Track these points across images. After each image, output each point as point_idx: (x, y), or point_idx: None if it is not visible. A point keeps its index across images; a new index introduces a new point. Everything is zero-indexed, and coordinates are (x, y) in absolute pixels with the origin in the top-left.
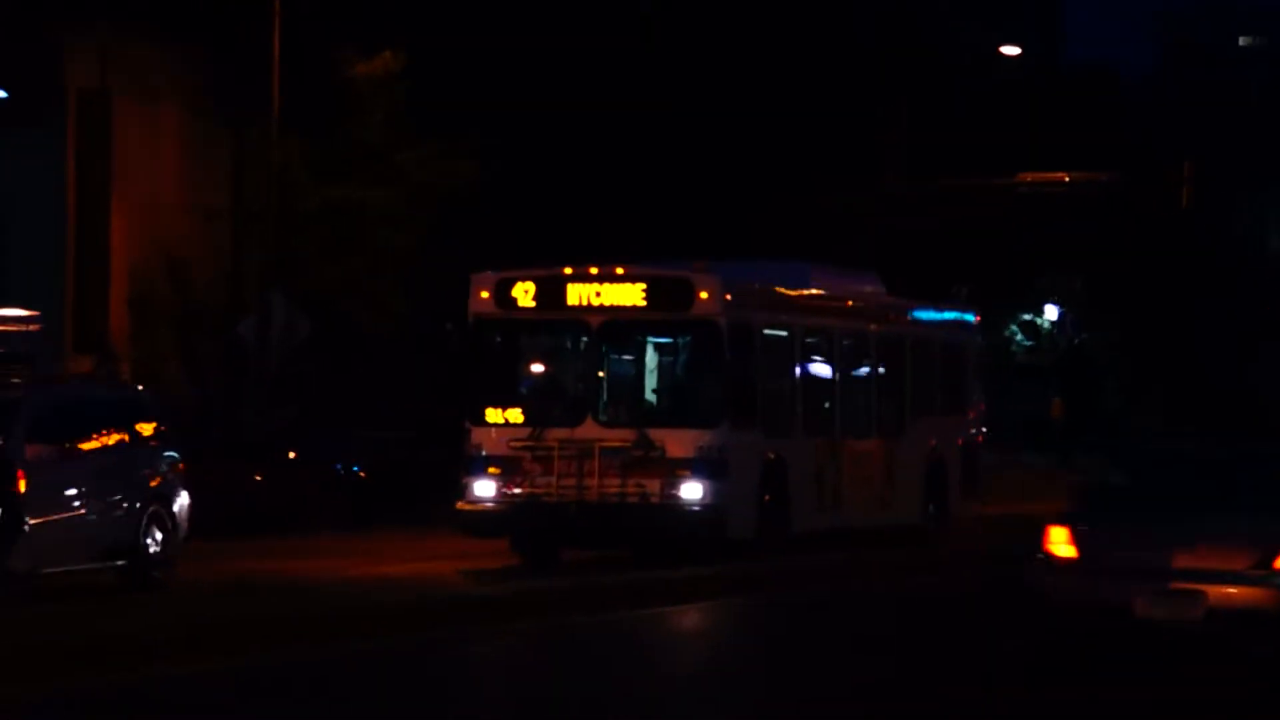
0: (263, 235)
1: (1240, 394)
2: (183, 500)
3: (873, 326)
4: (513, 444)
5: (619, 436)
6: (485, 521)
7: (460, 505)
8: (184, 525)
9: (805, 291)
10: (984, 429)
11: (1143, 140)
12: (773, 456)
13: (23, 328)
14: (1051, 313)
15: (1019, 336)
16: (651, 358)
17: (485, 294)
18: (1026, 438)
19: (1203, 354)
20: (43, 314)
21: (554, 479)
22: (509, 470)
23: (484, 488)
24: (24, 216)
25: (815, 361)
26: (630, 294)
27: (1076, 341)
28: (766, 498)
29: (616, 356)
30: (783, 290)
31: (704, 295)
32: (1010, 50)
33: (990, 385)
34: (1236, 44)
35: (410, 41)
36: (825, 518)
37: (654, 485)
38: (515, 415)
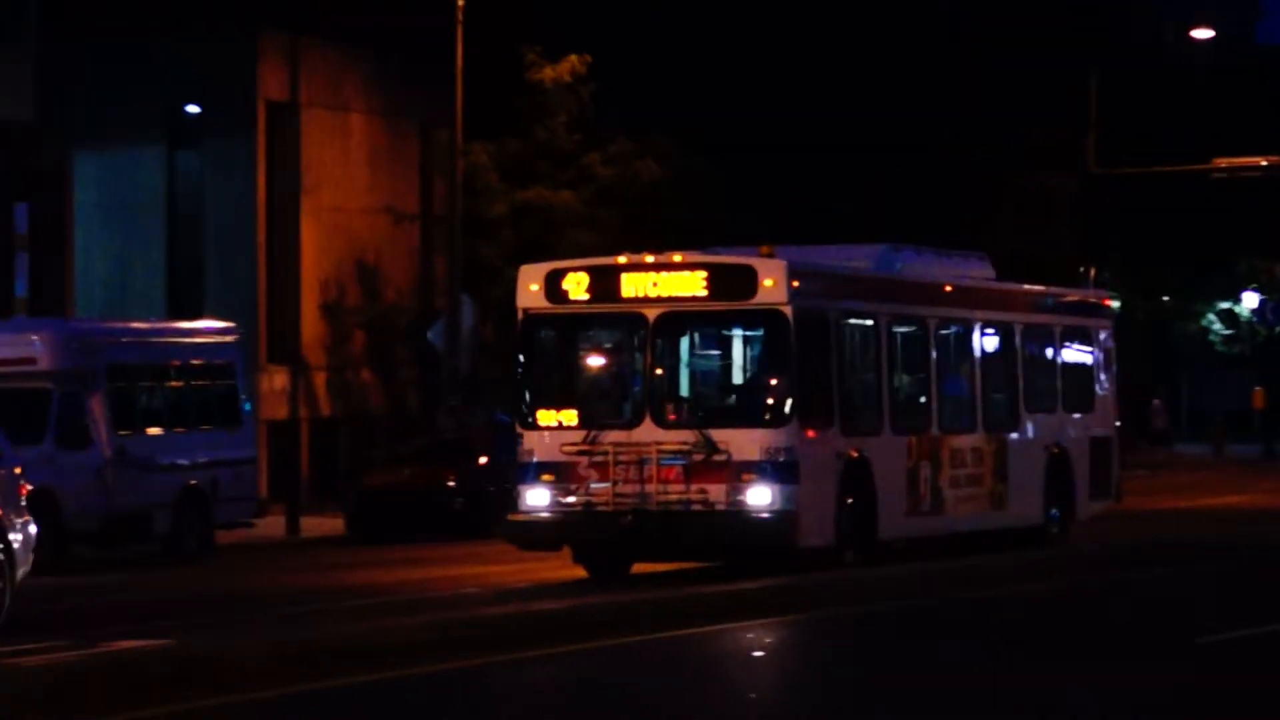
0: (450, 240)
1: None
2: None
3: (977, 313)
4: (565, 448)
5: (679, 439)
6: (538, 533)
7: (511, 516)
8: (22, 564)
9: (892, 277)
10: (1118, 421)
11: None
12: (855, 456)
13: (222, 339)
14: (1251, 300)
15: (1217, 325)
16: (713, 352)
17: (535, 287)
18: (1229, 429)
19: None
20: (239, 324)
21: (609, 486)
22: (562, 477)
23: (536, 496)
24: (217, 228)
25: (906, 352)
26: (689, 283)
27: (1278, 330)
28: (849, 501)
29: (675, 352)
30: (863, 276)
31: (768, 283)
32: (1203, 34)
33: (1190, 376)
34: None
35: (594, 44)
36: (921, 522)
37: (717, 491)
38: (569, 417)
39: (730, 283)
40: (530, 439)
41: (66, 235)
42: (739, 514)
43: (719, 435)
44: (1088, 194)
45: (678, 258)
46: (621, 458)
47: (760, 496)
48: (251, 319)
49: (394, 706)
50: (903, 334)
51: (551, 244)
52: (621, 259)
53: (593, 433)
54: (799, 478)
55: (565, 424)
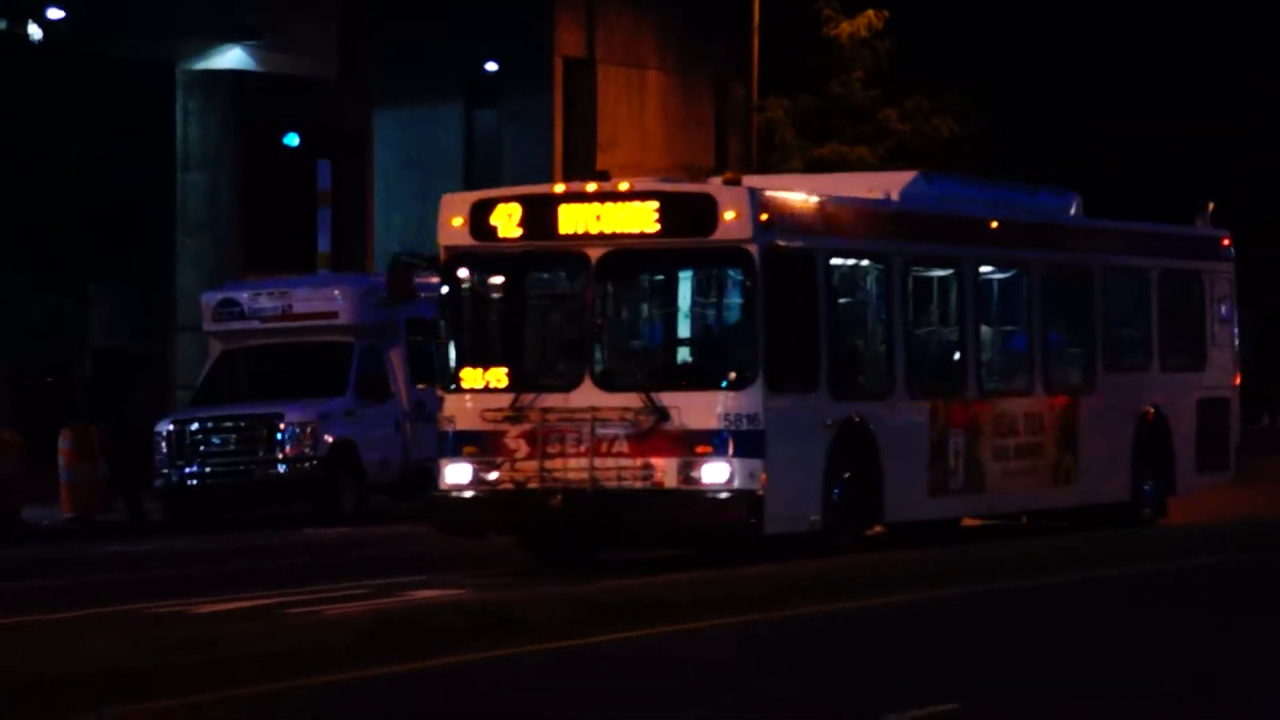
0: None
1: None
2: None
3: (1038, 254)
4: (490, 415)
5: (622, 404)
6: (457, 515)
7: (432, 494)
8: None
9: (912, 210)
10: (1237, 380)
11: None
12: (854, 423)
13: None
14: None
15: None
16: (667, 299)
17: (459, 221)
18: None
19: None
20: None
21: (538, 462)
22: (486, 450)
23: (457, 472)
24: (514, 184)
25: (931, 300)
26: (639, 217)
27: None
28: (846, 476)
29: (622, 299)
30: (869, 209)
31: (730, 215)
32: None
33: None
34: None
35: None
36: (951, 501)
37: (666, 467)
38: (496, 378)
39: (686, 216)
40: (451, 404)
41: (367, 192)
42: (691, 494)
43: (670, 399)
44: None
45: (624, 186)
46: (554, 427)
47: (716, 473)
48: None
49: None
50: (927, 278)
51: None
52: (559, 187)
53: (522, 397)
54: (766, 450)
55: (492, 386)
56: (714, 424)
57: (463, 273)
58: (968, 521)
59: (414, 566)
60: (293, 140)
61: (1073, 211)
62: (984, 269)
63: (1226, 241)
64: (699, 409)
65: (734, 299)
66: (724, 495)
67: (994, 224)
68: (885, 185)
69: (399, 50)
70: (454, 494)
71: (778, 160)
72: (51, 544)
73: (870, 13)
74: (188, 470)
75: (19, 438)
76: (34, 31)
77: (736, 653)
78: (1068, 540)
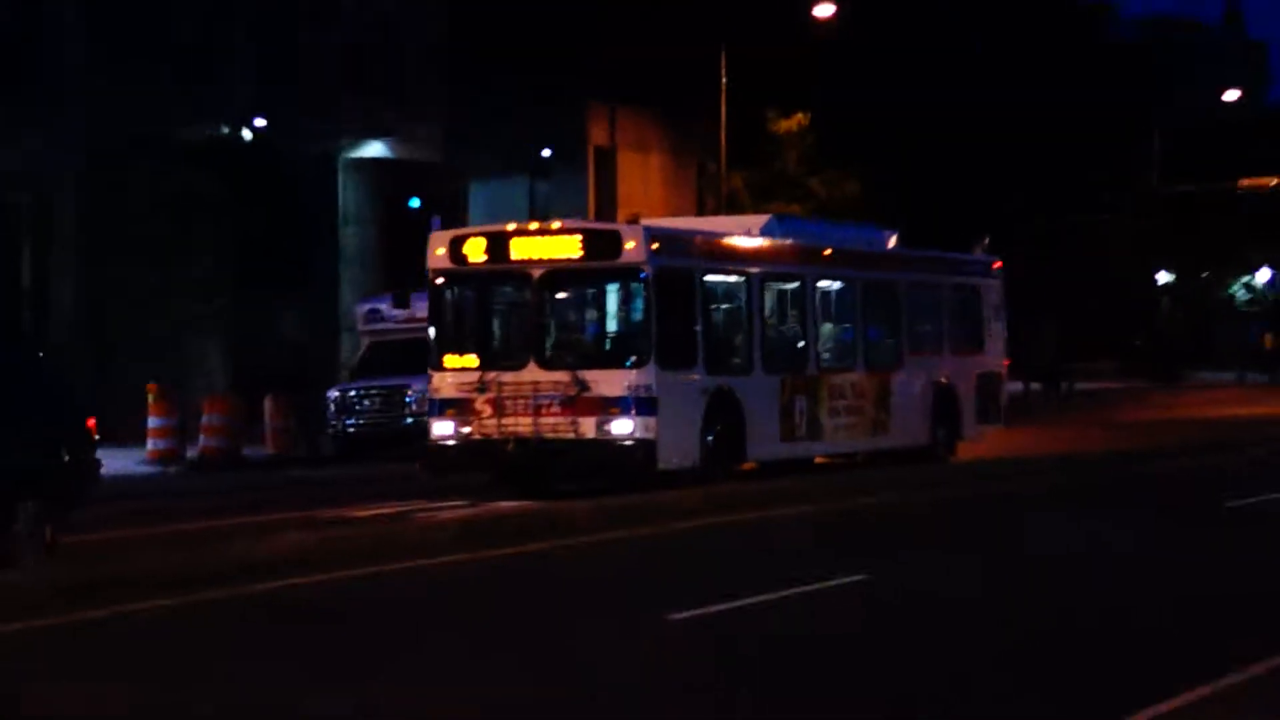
0: None
1: None
2: None
3: (858, 272)
4: (464, 387)
5: (556, 379)
6: (442, 458)
7: (426, 443)
8: None
9: (762, 241)
10: (1005, 360)
11: None
12: (725, 390)
13: None
14: (1265, 274)
15: (1240, 293)
16: (587, 305)
17: (441, 251)
18: (1246, 363)
19: None
20: None
21: (497, 420)
22: (461, 412)
23: (441, 428)
24: None
25: (781, 304)
26: (567, 246)
27: None
28: (720, 428)
29: (556, 305)
30: (730, 241)
31: (629, 245)
32: (1232, 94)
33: (1221, 328)
34: None
35: (814, 101)
36: (797, 446)
37: (588, 424)
38: (469, 361)
39: (600, 245)
40: (438, 379)
41: None
42: (606, 442)
43: (590, 375)
44: (1155, 204)
45: (556, 225)
46: (508, 395)
47: (623, 427)
48: None
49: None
50: (778, 289)
51: None
52: (511, 226)
53: (486, 374)
54: (657, 410)
55: (466, 367)
56: (621, 392)
57: (444, 287)
58: (820, 460)
59: (475, 491)
60: (414, 203)
61: (891, 244)
62: (821, 283)
63: (997, 265)
64: (610, 382)
65: (634, 304)
66: (628, 443)
67: (827, 251)
68: (750, 224)
69: (484, 141)
70: (440, 443)
71: (738, 215)
72: (260, 471)
73: (799, 115)
74: (348, 422)
75: (240, 400)
76: (245, 134)
77: (628, 555)
78: (884, 473)
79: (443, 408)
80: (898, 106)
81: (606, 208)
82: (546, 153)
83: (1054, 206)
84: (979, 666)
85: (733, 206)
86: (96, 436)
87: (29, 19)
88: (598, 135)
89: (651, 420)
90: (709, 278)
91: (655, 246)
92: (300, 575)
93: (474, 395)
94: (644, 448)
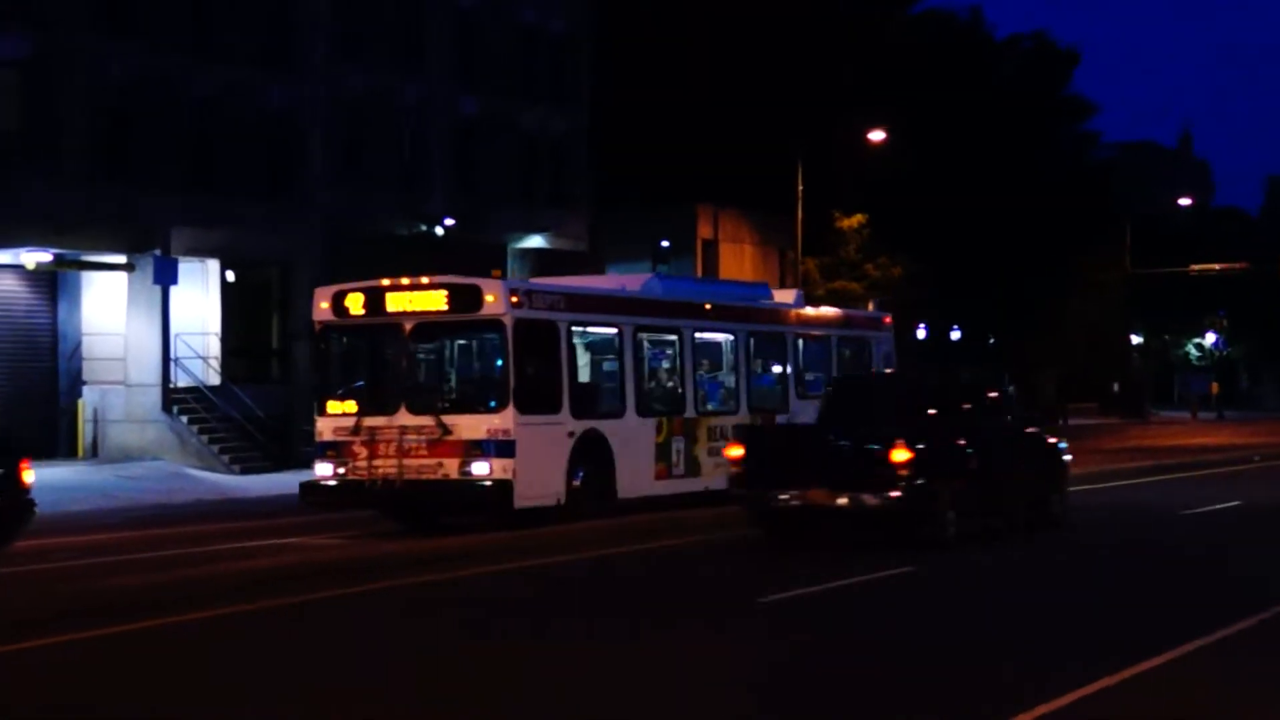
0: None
1: None
2: None
3: (741, 325)
4: (341, 431)
5: (423, 423)
6: (321, 497)
7: (305, 483)
8: None
9: (637, 296)
10: None
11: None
12: (593, 433)
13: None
14: (1210, 338)
15: (1193, 351)
16: (453, 355)
17: (325, 305)
18: (1198, 404)
19: None
20: None
21: (369, 462)
22: (339, 454)
23: (322, 469)
24: None
25: (657, 352)
26: (435, 300)
27: (1225, 352)
28: (588, 469)
29: (425, 354)
30: (604, 295)
31: (490, 299)
32: (1185, 200)
33: (1181, 379)
34: None
35: (869, 205)
36: (675, 484)
37: (452, 464)
38: (349, 407)
39: (464, 299)
40: (321, 424)
41: None
42: (468, 483)
43: (454, 420)
44: (1127, 283)
45: (425, 280)
46: (381, 438)
47: (481, 468)
48: None
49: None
50: (654, 339)
51: None
52: (385, 282)
53: (362, 419)
54: (516, 452)
55: (346, 412)
56: (481, 435)
57: (327, 337)
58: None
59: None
60: None
61: (789, 299)
62: (700, 334)
63: (888, 320)
64: (472, 426)
65: (494, 353)
66: (487, 483)
67: (707, 305)
68: (630, 282)
69: (618, 234)
70: (321, 482)
71: (813, 289)
72: None
73: (858, 215)
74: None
75: None
76: (439, 229)
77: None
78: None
79: (324, 450)
80: (934, 211)
81: None
82: (665, 243)
83: (1052, 285)
84: None
85: (807, 284)
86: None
87: (292, 143)
88: (704, 230)
89: (509, 462)
90: (579, 329)
91: (515, 300)
92: None
93: (351, 439)
94: (501, 487)
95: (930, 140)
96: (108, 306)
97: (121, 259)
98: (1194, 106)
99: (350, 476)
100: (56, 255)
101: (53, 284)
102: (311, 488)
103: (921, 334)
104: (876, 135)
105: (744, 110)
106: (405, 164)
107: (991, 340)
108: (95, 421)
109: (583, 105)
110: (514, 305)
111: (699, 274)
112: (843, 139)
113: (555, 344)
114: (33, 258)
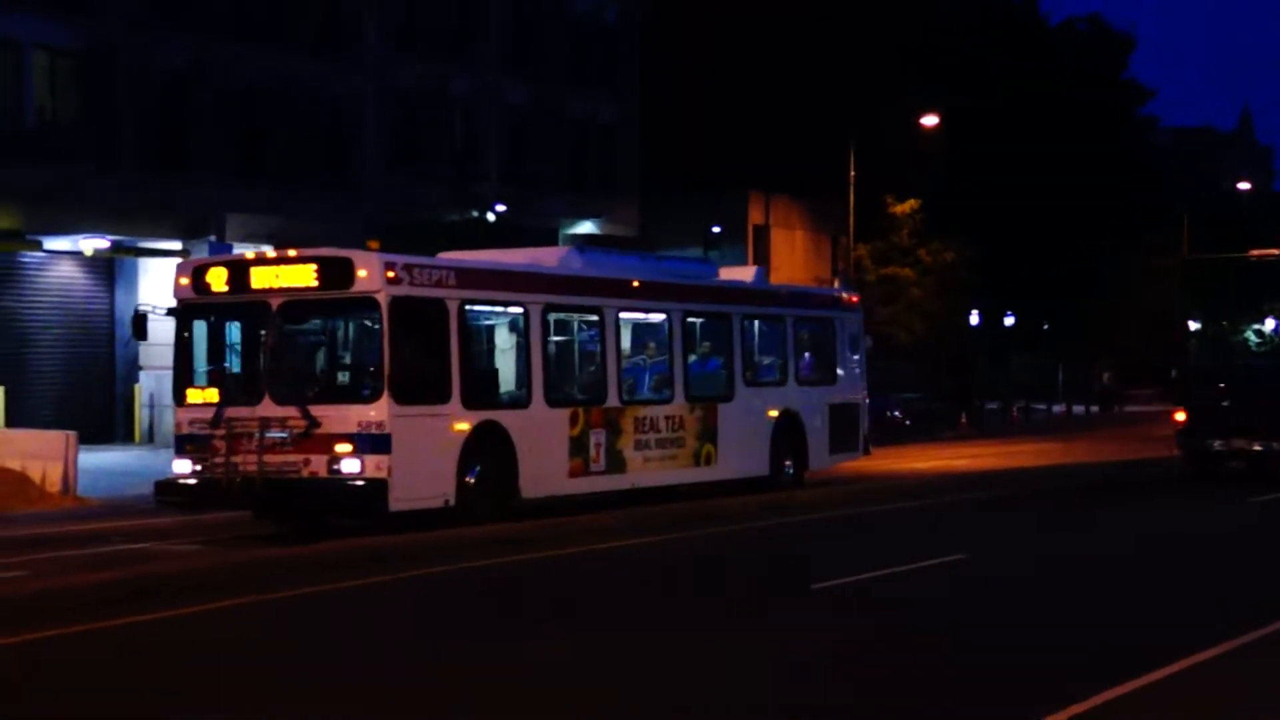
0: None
1: None
2: None
3: (677, 304)
4: (200, 424)
5: (287, 414)
6: (178, 496)
7: (160, 482)
8: None
9: (543, 272)
10: (864, 392)
11: None
12: (489, 425)
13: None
14: (1270, 324)
15: (1252, 338)
16: (323, 337)
17: (185, 280)
18: None
19: None
20: None
21: (228, 458)
22: (199, 448)
23: (180, 465)
24: None
25: (571, 335)
26: (303, 275)
27: None
28: (483, 465)
29: (293, 336)
30: (501, 270)
31: (363, 273)
32: (1244, 185)
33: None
34: None
35: (922, 190)
36: (594, 480)
37: (319, 461)
38: (211, 396)
39: (334, 274)
40: (180, 415)
41: None
42: (334, 481)
43: (322, 411)
44: (1184, 268)
45: (292, 253)
46: (241, 431)
47: (352, 465)
48: None
49: None
50: (568, 320)
51: (900, 297)
52: (250, 254)
53: (222, 410)
54: (392, 448)
55: (207, 401)
56: (352, 429)
57: (187, 317)
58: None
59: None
60: None
61: (748, 278)
62: (627, 314)
63: (855, 299)
64: (341, 418)
65: (368, 335)
66: (359, 482)
67: (635, 283)
68: (545, 257)
69: (669, 220)
70: (179, 480)
71: (864, 275)
72: None
73: (911, 200)
74: None
75: None
76: (490, 216)
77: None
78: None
79: (182, 444)
80: (988, 196)
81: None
82: (716, 229)
83: (1108, 270)
84: None
85: (859, 270)
86: None
87: (345, 132)
88: (755, 216)
89: (383, 459)
90: (473, 308)
91: (391, 275)
92: None
93: (210, 431)
94: (374, 487)
95: (984, 125)
96: (164, 292)
97: (177, 245)
98: (1253, 91)
99: (207, 474)
100: (114, 242)
101: (110, 270)
102: (168, 486)
103: (974, 319)
104: (930, 120)
105: (795, 95)
106: (457, 151)
107: (1045, 326)
108: (151, 406)
109: (634, 92)
110: (390, 281)
111: (750, 261)
112: (895, 124)
113: (443, 325)
114: (90, 244)
